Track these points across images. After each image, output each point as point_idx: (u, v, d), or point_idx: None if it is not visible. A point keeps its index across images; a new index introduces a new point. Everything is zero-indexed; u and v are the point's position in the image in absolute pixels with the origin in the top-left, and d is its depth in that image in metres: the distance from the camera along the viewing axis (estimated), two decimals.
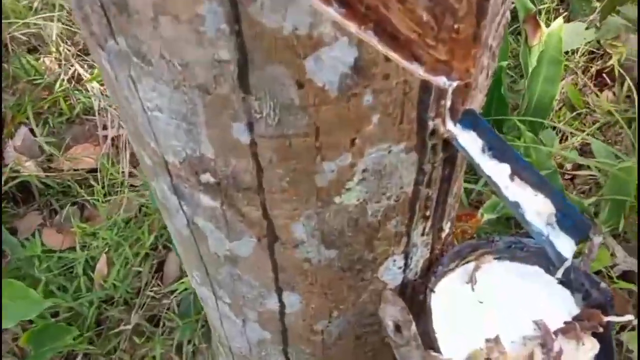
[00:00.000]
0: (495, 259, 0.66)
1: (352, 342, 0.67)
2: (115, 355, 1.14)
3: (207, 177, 0.43)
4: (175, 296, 1.16)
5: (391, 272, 0.57)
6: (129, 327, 1.13)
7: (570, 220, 0.44)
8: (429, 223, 0.54)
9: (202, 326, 1.10)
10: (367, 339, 0.68)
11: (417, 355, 0.50)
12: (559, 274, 0.48)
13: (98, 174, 1.49)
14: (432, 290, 0.59)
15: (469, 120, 0.43)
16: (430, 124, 0.41)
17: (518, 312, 0.63)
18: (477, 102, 0.45)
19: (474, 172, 1.31)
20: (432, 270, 0.61)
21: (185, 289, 1.16)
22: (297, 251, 0.50)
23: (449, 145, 0.45)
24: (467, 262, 0.66)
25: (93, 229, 1.35)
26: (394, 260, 0.56)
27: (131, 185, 1.46)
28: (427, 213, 0.52)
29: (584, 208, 1.21)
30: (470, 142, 0.44)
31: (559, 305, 0.63)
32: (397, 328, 0.46)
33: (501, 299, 0.64)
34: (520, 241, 0.65)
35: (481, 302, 0.64)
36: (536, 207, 0.44)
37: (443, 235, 0.59)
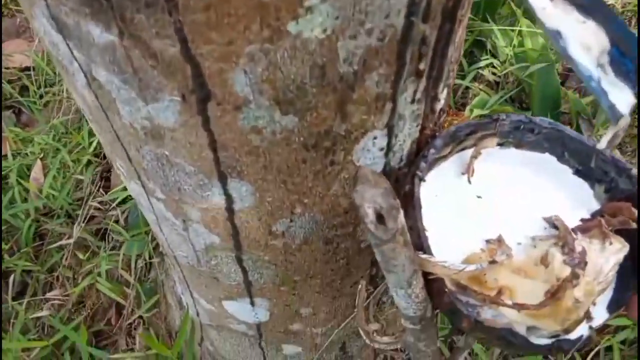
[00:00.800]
0: (498, 144, 0.53)
1: (320, 247, 0.55)
2: (58, 272, 1.01)
3: None
4: (120, 205, 1.02)
5: (370, 155, 0.44)
6: (71, 241, 0.99)
7: (630, 60, 0.31)
8: (422, 84, 0.40)
9: (154, 239, 0.98)
10: (339, 244, 0.56)
11: (404, 256, 0.37)
12: (604, 142, 0.35)
13: (32, 72, 1.30)
14: (421, 179, 0.46)
15: None
16: None
17: (524, 209, 0.51)
18: None
19: (460, 67, 1.17)
20: (421, 154, 0.48)
21: (133, 198, 1.02)
22: (241, 116, 0.36)
23: None
24: (464, 149, 0.53)
25: (28, 133, 1.18)
26: (374, 138, 0.42)
27: None
28: (421, 66, 0.38)
29: (582, 108, 1.08)
30: None
31: (575, 200, 0.52)
32: (379, 218, 0.33)
33: (504, 193, 0.52)
34: (531, 120, 0.52)
35: (479, 197, 0.51)
36: (584, 39, 0.30)
37: (437, 107, 0.46)
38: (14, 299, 1.02)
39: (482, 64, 1.08)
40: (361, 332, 0.60)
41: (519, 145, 0.53)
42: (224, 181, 0.43)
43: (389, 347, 0.58)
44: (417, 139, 0.47)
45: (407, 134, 0.45)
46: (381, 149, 0.44)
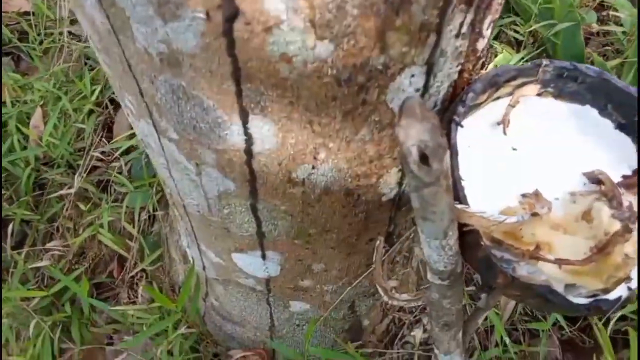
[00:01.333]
0: (537, 94, 0.50)
1: (341, 198, 0.52)
2: (58, 223, 0.99)
3: None
4: (123, 156, 0.98)
5: (404, 96, 0.40)
6: (72, 191, 0.96)
7: None
8: (470, 15, 0.36)
9: (159, 191, 0.95)
10: (360, 196, 0.52)
11: (444, 202, 0.34)
12: None
13: (32, 17, 1.24)
14: (458, 124, 0.43)
15: None
16: None
17: (561, 164, 0.48)
18: None
19: None
20: (459, 98, 0.44)
21: (137, 149, 0.98)
22: (271, 40, 0.32)
23: None
24: (499, 98, 0.49)
25: (27, 80, 1.13)
26: (412, 76, 0.39)
27: (71, 34, 1.22)
28: None
29: (607, 71, 1.04)
30: None
31: (616, 155, 0.48)
32: (423, 158, 0.30)
33: (540, 146, 0.49)
34: (576, 68, 0.48)
35: (515, 150, 0.48)
36: None
37: (480, 47, 0.42)
38: (13, 248, 1.00)
39: (505, 21, 1.03)
40: (379, 288, 0.57)
41: (558, 95, 0.50)
42: (245, 118, 0.40)
43: (407, 305, 0.56)
44: (454, 82, 0.43)
45: (446, 75, 0.41)
46: (417, 90, 0.40)
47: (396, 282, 0.60)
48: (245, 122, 0.40)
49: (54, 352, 0.89)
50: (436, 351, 0.58)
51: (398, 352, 0.91)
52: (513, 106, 0.48)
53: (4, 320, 0.91)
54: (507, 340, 0.81)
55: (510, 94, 0.49)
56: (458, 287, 0.47)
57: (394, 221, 0.62)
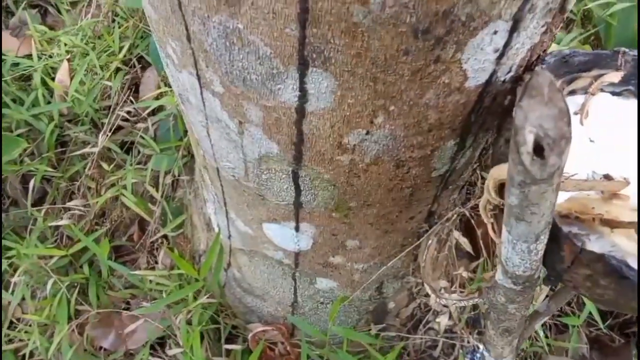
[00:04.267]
0: (615, 94, 0.45)
1: (389, 170, 0.48)
2: (80, 182, 0.96)
3: None
4: (150, 115, 0.95)
5: (481, 56, 0.36)
6: (95, 150, 0.93)
7: None
8: None
9: (184, 156, 0.91)
10: (410, 169, 0.49)
11: (549, 203, 0.29)
12: None
13: None
14: None
15: None
16: None
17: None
18: None
19: None
20: (532, 66, 0.40)
21: (164, 110, 0.95)
22: None
23: None
24: (574, 92, 0.45)
25: (55, 33, 1.10)
26: (495, 33, 0.34)
27: None
28: None
29: None
30: None
31: None
32: (538, 150, 0.25)
33: (619, 140, 0.45)
34: None
35: (592, 141, 0.44)
36: None
37: (568, 6, 0.37)
38: (32, 205, 0.97)
39: None
40: (427, 288, 0.54)
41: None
42: (303, 71, 0.36)
43: (458, 305, 0.52)
44: (533, 46, 0.39)
45: (529, 36, 0.37)
46: (496, 51, 0.36)
47: (446, 283, 0.56)
48: (302, 75, 0.36)
49: (70, 313, 0.87)
50: (485, 353, 0.54)
51: (422, 338, 0.88)
52: (593, 94, 0.44)
53: (19, 278, 0.89)
54: (541, 333, 0.78)
55: (587, 87, 0.45)
56: (529, 294, 0.42)
57: (438, 200, 0.58)
